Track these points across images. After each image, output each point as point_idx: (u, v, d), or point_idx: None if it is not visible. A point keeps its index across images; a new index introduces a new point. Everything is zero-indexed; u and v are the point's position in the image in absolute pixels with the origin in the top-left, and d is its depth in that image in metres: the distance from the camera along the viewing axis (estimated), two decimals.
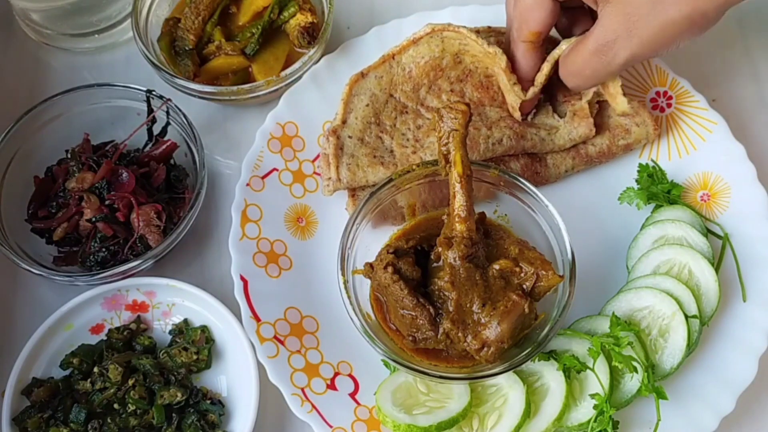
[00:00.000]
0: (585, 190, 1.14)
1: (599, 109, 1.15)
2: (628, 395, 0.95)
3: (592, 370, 0.95)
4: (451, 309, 0.94)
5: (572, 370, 0.96)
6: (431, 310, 0.94)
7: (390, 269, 0.94)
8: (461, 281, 0.94)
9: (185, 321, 1.05)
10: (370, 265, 0.97)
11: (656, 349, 0.98)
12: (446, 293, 0.94)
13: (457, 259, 0.95)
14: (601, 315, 1.01)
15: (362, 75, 1.14)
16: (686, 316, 0.98)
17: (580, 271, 0.97)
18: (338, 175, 1.08)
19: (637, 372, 0.93)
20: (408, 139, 1.12)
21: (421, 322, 0.94)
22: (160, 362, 1.02)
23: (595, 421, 0.93)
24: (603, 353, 0.95)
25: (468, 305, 0.94)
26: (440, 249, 0.96)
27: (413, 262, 0.97)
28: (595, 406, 0.93)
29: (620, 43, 0.94)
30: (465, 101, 1.09)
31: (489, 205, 1.07)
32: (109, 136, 1.16)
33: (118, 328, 1.04)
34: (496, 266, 0.95)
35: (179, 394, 0.99)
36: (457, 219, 0.97)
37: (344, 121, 1.11)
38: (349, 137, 1.10)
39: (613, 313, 0.98)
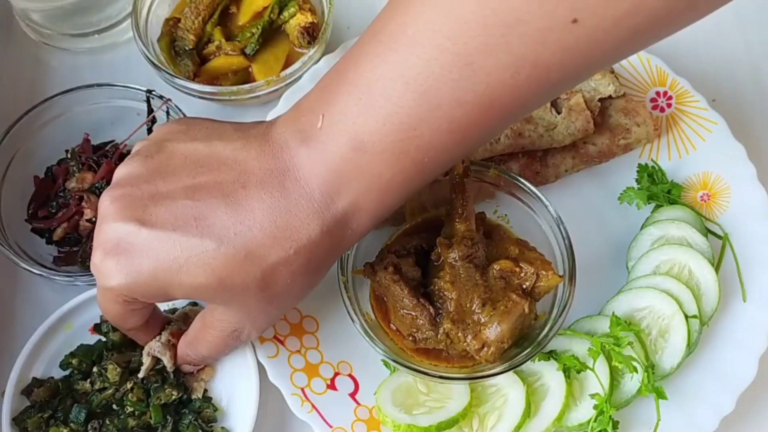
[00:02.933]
0: (585, 190, 1.14)
1: (600, 108, 1.15)
2: (628, 395, 0.95)
3: (592, 370, 0.95)
4: (451, 309, 0.94)
5: (572, 370, 0.96)
6: (431, 310, 0.94)
7: (390, 269, 0.95)
8: (461, 281, 0.94)
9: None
10: (371, 265, 0.97)
11: (656, 349, 0.98)
12: (446, 293, 0.94)
13: (457, 259, 0.95)
14: (601, 315, 1.01)
15: None
16: (686, 316, 0.98)
17: (580, 271, 0.97)
18: None
19: (637, 372, 0.93)
20: None
21: (421, 322, 0.94)
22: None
23: (595, 421, 0.93)
24: (603, 353, 0.95)
25: (468, 305, 0.94)
26: (440, 249, 0.96)
27: (413, 262, 0.97)
28: (595, 406, 0.93)
29: (246, 328, 0.86)
30: None
31: (489, 205, 1.07)
32: (109, 136, 1.16)
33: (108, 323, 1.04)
34: (497, 266, 0.95)
35: (174, 393, 0.99)
36: (456, 219, 0.97)
37: None
38: None
39: (613, 313, 0.98)
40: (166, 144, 0.82)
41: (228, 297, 0.80)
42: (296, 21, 1.22)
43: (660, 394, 0.94)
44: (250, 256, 0.76)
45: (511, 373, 0.95)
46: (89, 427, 0.98)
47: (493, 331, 0.92)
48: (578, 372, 0.96)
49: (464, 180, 0.97)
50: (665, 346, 0.98)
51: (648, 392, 0.93)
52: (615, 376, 0.96)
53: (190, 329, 0.93)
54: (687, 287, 0.99)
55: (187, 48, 1.21)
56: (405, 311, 0.95)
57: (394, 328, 0.98)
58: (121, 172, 0.83)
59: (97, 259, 0.81)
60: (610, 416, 0.92)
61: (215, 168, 0.79)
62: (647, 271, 1.03)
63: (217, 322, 0.86)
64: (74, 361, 1.01)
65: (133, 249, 0.78)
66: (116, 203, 0.80)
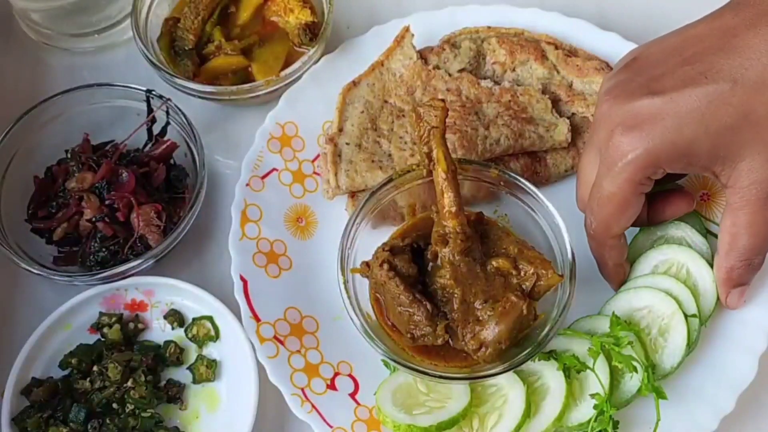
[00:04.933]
0: None
1: None
2: (628, 395, 0.95)
3: (592, 370, 0.95)
4: (456, 306, 0.94)
5: (572, 370, 0.96)
6: (428, 305, 0.94)
7: (386, 266, 0.94)
8: (463, 276, 0.94)
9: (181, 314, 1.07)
10: (367, 264, 0.97)
11: (656, 349, 0.98)
12: (450, 291, 0.94)
13: (456, 254, 0.95)
14: (600, 315, 1.01)
15: (354, 84, 1.15)
16: (686, 316, 0.98)
17: (580, 271, 0.97)
18: (337, 182, 1.08)
19: (637, 372, 0.93)
20: (406, 143, 1.12)
21: (418, 318, 0.94)
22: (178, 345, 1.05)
23: (595, 420, 0.93)
24: (603, 353, 0.95)
25: (471, 300, 0.94)
26: (436, 247, 0.96)
27: (409, 259, 0.97)
28: (595, 406, 0.93)
29: None
30: (441, 98, 1.09)
31: (489, 205, 1.07)
32: (109, 136, 1.16)
33: (110, 323, 1.04)
34: (494, 263, 0.96)
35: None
36: (448, 215, 0.97)
37: (340, 129, 1.12)
38: (347, 144, 1.11)
39: (613, 312, 0.98)
40: (637, 53, 0.88)
41: (753, 134, 0.81)
42: (296, 19, 1.22)
43: (660, 394, 0.93)
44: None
45: (511, 373, 0.95)
46: (89, 426, 0.98)
47: (491, 331, 0.92)
48: (578, 372, 0.96)
49: (450, 176, 0.97)
50: (665, 346, 0.98)
51: (648, 392, 0.93)
52: (615, 376, 0.96)
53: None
54: (686, 287, 0.99)
55: (186, 48, 1.21)
56: (402, 308, 0.95)
57: (389, 323, 0.98)
58: (606, 85, 0.89)
59: (615, 140, 0.85)
60: (610, 416, 0.92)
61: (696, 41, 0.84)
62: (646, 270, 1.03)
63: (747, 187, 0.84)
64: (74, 361, 1.01)
65: (652, 116, 0.82)
66: (616, 94, 0.85)
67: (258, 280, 1.05)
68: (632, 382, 0.95)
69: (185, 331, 1.05)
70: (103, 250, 1.06)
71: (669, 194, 1.00)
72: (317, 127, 1.16)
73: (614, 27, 1.22)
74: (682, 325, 0.97)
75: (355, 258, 1.01)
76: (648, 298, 0.99)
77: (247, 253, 1.06)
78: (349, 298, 0.96)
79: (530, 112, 1.14)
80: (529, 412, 0.94)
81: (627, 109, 0.85)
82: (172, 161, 1.15)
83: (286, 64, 1.20)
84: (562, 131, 1.12)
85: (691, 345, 0.98)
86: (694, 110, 0.81)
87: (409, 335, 0.95)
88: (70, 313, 1.03)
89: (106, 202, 1.07)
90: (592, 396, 0.94)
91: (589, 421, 0.93)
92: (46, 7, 1.25)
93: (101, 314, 1.04)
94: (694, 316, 0.98)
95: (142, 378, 1.00)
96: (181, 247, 1.09)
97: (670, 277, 1.00)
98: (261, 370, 0.99)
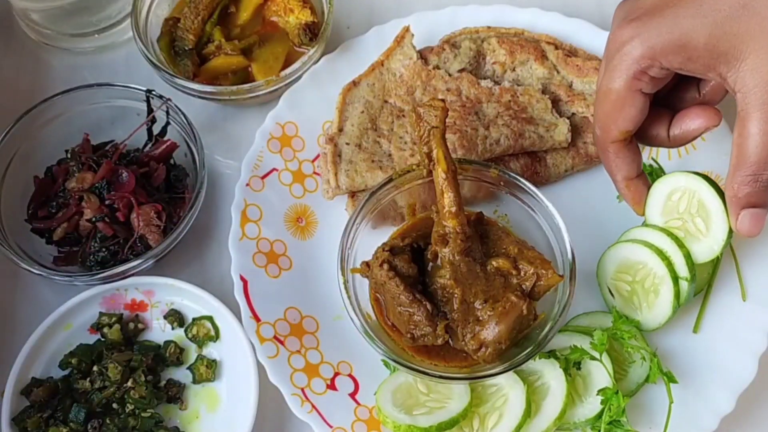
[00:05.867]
0: (585, 190, 1.14)
1: None
2: (634, 384, 0.96)
3: (600, 360, 0.94)
4: (456, 306, 0.94)
5: (572, 369, 0.96)
6: (428, 305, 0.94)
7: (386, 266, 0.94)
8: (463, 276, 0.94)
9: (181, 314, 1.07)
10: (367, 264, 0.97)
11: (648, 305, 0.98)
12: (450, 291, 0.94)
13: (456, 254, 0.95)
14: (596, 312, 1.01)
15: (354, 84, 1.15)
16: (676, 280, 0.97)
17: (580, 271, 0.97)
18: (337, 182, 1.08)
19: (645, 360, 0.94)
20: (406, 143, 1.12)
21: (418, 318, 0.94)
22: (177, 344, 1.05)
23: (607, 412, 0.93)
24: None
25: (472, 299, 0.94)
26: (436, 247, 0.96)
27: (409, 259, 0.97)
28: (602, 401, 0.93)
29: None
30: (441, 98, 1.09)
31: (489, 205, 1.07)
32: (109, 136, 1.16)
33: (110, 323, 1.04)
34: (494, 263, 0.96)
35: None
36: (448, 215, 0.97)
37: (340, 129, 1.12)
38: (347, 144, 1.11)
39: (614, 307, 1.00)
40: None
41: (754, 25, 0.77)
42: (297, 19, 1.22)
43: (670, 378, 0.94)
44: None
45: (511, 372, 0.95)
46: (89, 426, 0.98)
47: (491, 331, 0.92)
48: (579, 369, 0.96)
49: (450, 176, 0.97)
50: (654, 305, 0.98)
51: (656, 378, 0.94)
52: (622, 366, 0.97)
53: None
54: (680, 249, 0.98)
55: (186, 48, 1.21)
56: (402, 308, 0.95)
57: (389, 323, 0.98)
58: None
59: (614, 32, 0.86)
60: (622, 406, 0.92)
61: None
62: (660, 200, 1.00)
63: (752, 90, 0.79)
64: (74, 361, 1.01)
65: (653, 7, 0.82)
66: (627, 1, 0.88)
67: (258, 280, 1.05)
68: (638, 371, 0.96)
69: (185, 331, 1.05)
70: (103, 250, 1.06)
71: (690, 109, 0.93)
72: (317, 127, 1.16)
73: None
74: (670, 291, 0.97)
75: (355, 258, 1.01)
76: (644, 256, 0.99)
77: (247, 253, 1.06)
78: (349, 298, 0.96)
79: (530, 112, 1.14)
80: (529, 412, 0.94)
81: (632, 4, 0.86)
82: (172, 161, 1.15)
83: (286, 64, 1.20)
84: (562, 131, 1.12)
85: (681, 305, 0.98)
86: (694, 1, 0.80)
87: (409, 335, 0.95)
88: (70, 313, 1.03)
89: (106, 202, 1.07)
90: (600, 392, 0.93)
91: (596, 416, 0.94)
92: (46, 7, 1.25)
93: (101, 314, 1.05)
94: (685, 279, 0.97)
95: (142, 378, 1.00)
96: (181, 247, 1.09)
97: (668, 238, 0.99)
98: (261, 370, 0.99)
